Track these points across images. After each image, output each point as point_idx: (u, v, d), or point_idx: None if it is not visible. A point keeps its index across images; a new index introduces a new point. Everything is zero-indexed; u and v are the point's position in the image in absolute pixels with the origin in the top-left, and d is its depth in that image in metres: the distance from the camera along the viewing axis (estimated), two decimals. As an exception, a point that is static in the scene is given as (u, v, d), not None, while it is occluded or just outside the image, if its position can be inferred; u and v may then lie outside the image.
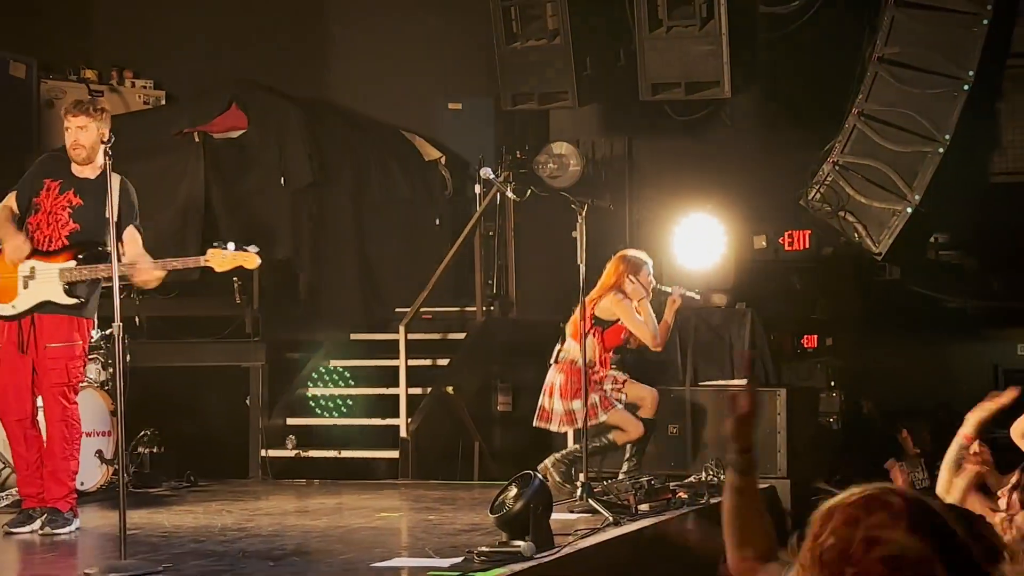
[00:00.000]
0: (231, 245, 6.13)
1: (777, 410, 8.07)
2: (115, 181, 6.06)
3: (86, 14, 11.46)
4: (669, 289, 7.71)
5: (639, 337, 7.49)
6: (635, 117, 9.84)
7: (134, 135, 9.26)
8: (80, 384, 6.53)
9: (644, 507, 6.61)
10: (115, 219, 5.77)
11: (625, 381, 7.60)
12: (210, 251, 6.13)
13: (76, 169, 6.38)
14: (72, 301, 6.23)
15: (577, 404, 7.21)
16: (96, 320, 6.74)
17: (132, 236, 6.28)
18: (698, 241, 8.82)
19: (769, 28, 9.45)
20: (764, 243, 9.24)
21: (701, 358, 8.58)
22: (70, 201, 6.32)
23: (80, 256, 6.23)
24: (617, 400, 7.47)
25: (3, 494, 7.37)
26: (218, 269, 6.20)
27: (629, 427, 7.47)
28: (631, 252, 7.59)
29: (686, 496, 7.02)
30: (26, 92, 10.50)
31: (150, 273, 6.23)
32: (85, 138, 6.30)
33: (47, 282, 6.23)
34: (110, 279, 5.63)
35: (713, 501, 7.17)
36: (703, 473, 7.57)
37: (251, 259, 6.15)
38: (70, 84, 10.76)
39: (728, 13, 8.59)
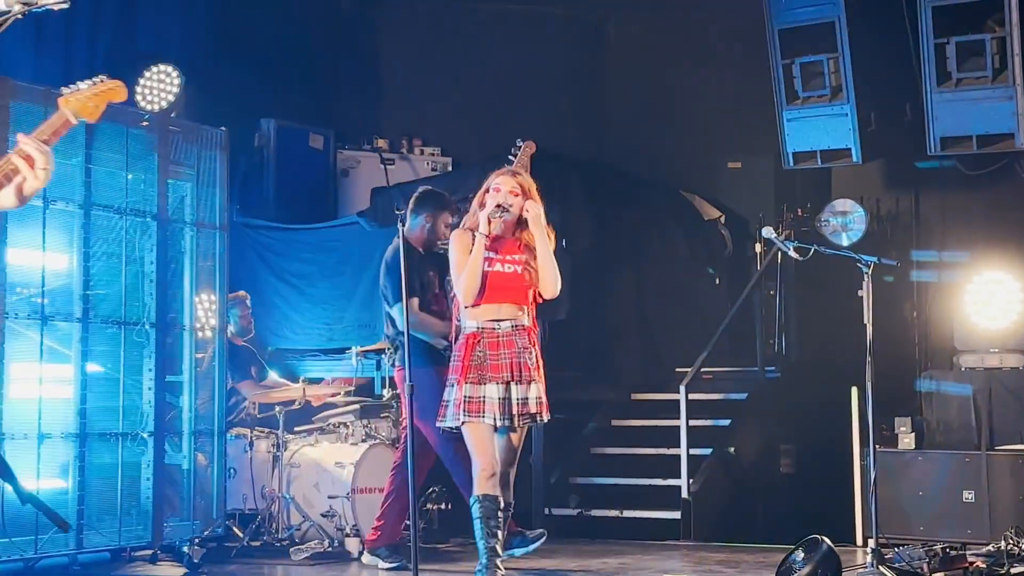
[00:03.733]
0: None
1: (1084, 476, 7.65)
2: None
3: (377, 87, 12.00)
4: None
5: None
6: (922, 172, 9.55)
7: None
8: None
9: (939, 576, 6.35)
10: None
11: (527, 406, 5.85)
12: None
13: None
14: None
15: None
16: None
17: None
18: (992, 300, 8.46)
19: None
20: (1065, 300, 8.77)
21: (997, 421, 8.20)
22: None
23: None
24: (451, 417, 5.87)
25: (303, 547, 7.70)
26: None
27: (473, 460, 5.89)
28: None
29: (984, 566, 6.69)
30: (324, 162, 11.08)
31: None
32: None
33: None
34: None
35: (1014, 571, 6.82)
36: (1002, 542, 7.21)
37: None
38: (364, 154, 11.29)
39: (1022, 62, 8.27)
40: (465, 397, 5.71)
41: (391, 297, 7.03)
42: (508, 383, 5.73)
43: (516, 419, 5.76)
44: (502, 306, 5.85)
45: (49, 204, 6.81)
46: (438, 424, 5.86)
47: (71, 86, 3.65)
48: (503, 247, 5.94)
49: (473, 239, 5.90)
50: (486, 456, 5.77)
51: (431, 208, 7.28)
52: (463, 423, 5.74)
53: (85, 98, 3.66)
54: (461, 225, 6.08)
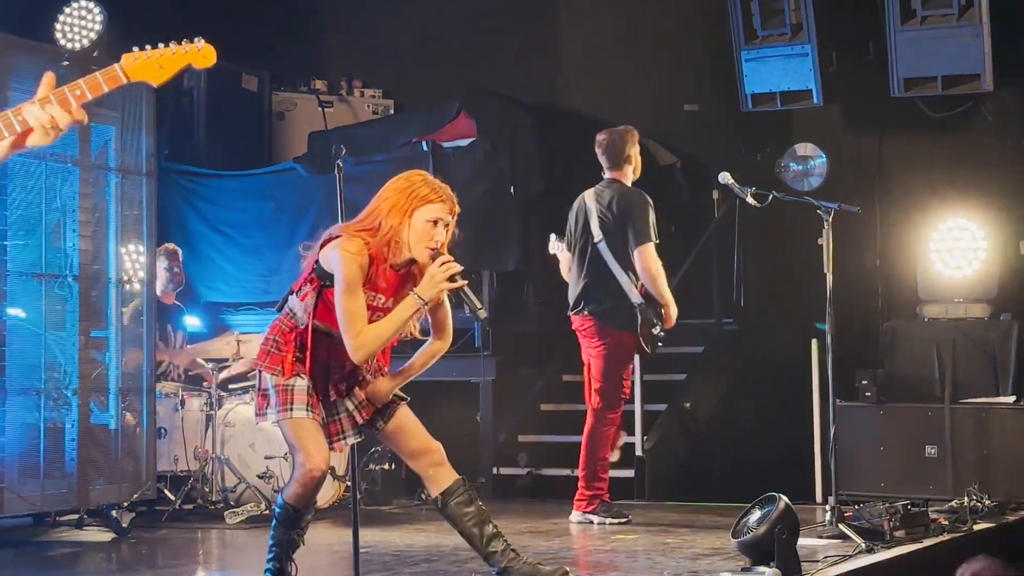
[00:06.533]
0: None
1: (1049, 431, 7.76)
2: None
3: (316, 25, 11.86)
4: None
5: (339, 325, 4.74)
6: (885, 115, 9.58)
7: (363, 145, 9.55)
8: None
9: (900, 534, 6.41)
10: None
11: (368, 408, 4.98)
12: None
13: None
14: None
15: (269, 380, 4.85)
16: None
17: None
18: (956, 248, 8.53)
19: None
20: (1032, 249, 8.88)
21: (961, 373, 8.28)
22: None
23: None
24: (300, 406, 4.78)
25: (238, 510, 7.69)
26: None
27: (301, 458, 4.78)
28: (422, 177, 4.94)
29: (947, 523, 6.78)
30: (258, 105, 10.96)
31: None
32: None
33: None
34: None
35: (976, 528, 6.91)
36: (965, 498, 7.31)
37: None
38: (301, 95, 11.18)
39: (989, 0, 8.31)
40: (307, 391, 4.80)
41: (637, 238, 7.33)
42: (343, 398, 4.95)
43: (349, 431, 4.98)
44: None
45: (-40, 148, 6.68)
46: (263, 418, 4.88)
47: (145, 48, 3.40)
48: (391, 285, 4.86)
49: (378, 268, 4.76)
50: (316, 456, 4.79)
51: None
52: (311, 419, 4.80)
53: (149, 59, 3.39)
54: (362, 239, 4.75)
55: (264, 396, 4.86)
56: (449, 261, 4.79)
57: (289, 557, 4.98)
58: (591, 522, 7.43)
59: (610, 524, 7.35)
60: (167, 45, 3.40)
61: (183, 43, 3.43)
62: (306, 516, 4.99)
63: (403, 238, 4.78)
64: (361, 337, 4.70)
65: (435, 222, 4.81)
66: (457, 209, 4.90)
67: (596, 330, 7.48)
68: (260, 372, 4.90)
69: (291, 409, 4.77)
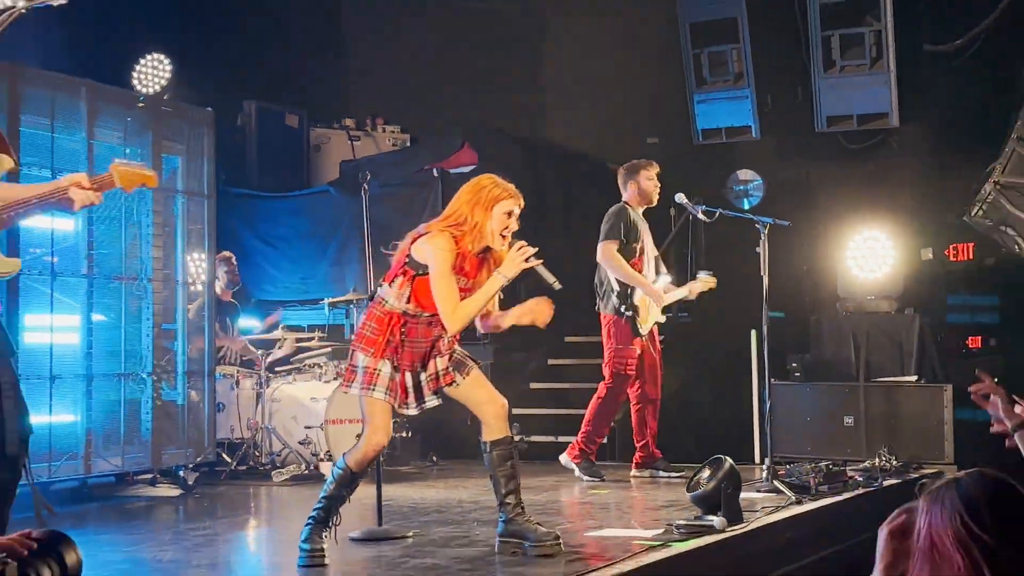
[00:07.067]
0: None
1: (944, 404, 7.81)
2: None
3: (346, 70, 11.90)
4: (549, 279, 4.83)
5: (437, 305, 4.69)
6: (811, 146, 9.66)
7: (385, 173, 9.61)
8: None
9: (823, 488, 6.47)
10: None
11: (449, 374, 4.90)
12: None
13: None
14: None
15: (361, 359, 4.77)
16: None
17: None
18: (869, 255, 8.60)
19: (934, 63, 9.16)
20: (931, 255, 8.94)
21: (873, 356, 8.35)
22: None
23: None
24: (381, 388, 4.72)
25: (283, 470, 7.73)
26: None
27: (369, 431, 4.77)
28: (492, 179, 4.86)
29: (861, 479, 6.85)
30: (298, 139, 11.00)
31: None
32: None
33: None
34: None
35: (885, 484, 6.97)
36: (876, 459, 7.37)
37: None
38: (334, 131, 11.21)
39: (896, 53, 8.39)
40: (390, 376, 4.73)
41: (601, 237, 7.40)
42: (416, 371, 4.83)
43: (428, 396, 4.87)
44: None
45: (57, 174, 6.73)
46: (348, 389, 4.81)
47: (126, 160, 4.38)
48: (473, 269, 4.81)
49: (463, 256, 4.72)
50: (382, 432, 4.79)
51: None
52: (386, 401, 4.73)
53: (131, 171, 4.15)
54: (451, 233, 4.72)
55: (353, 371, 4.78)
56: (524, 245, 4.75)
57: (335, 510, 4.86)
58: (573, 470, 7.46)
59: (587, 480, 7.40)
60: (139, 162, 4.43)
61: (145, 167, 4.33)
62: (359, 480, 4.89)
63: (486, 229, 4.74)
64: (458, 312, 4.67)
65: (509, 214, 4.79)
66: (523, 203, 4.85)
67: (599, 318, 7.61)
68: (354, 351, 4.80)
69: (373, 389, 4.71)
